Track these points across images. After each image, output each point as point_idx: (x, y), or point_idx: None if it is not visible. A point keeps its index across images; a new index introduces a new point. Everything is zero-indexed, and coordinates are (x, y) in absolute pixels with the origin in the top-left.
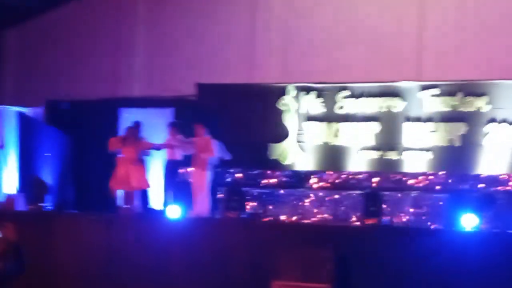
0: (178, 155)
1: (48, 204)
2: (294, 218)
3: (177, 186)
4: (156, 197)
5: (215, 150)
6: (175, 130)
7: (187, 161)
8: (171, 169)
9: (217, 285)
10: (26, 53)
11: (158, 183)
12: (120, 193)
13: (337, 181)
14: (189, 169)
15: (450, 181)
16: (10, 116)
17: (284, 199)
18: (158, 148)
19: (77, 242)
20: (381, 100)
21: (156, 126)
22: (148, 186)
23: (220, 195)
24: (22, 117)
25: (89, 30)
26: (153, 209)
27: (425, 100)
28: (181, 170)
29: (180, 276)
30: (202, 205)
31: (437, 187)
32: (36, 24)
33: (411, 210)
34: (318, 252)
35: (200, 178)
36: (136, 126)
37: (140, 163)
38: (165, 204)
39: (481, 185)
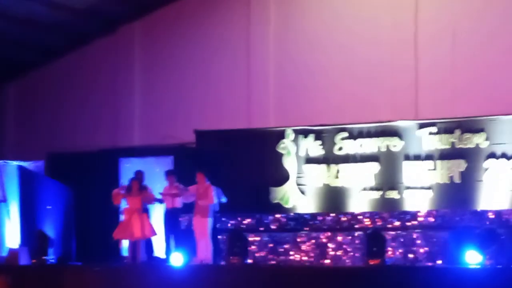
0: (178, 203)
1: (51, 257)
2: (298, 261)
3: (178, 233)
4: (159, 246)
5: (214, 197)
6: (172, 178)
7: (187, 208)
8: (172, 217)
9: None
10: (24, 106)
11: (160, 232)
12: (124, 243)
13: (339, 222)
14: (190, 217)
15: (451, 218)
16: (11, 170)
17: (287, 243)
18: (160, 200)
19: None
20: (380, 140)
21: (156, 174)
22: (153, 234)
23: (222, 241)
24: (22, 170)
25: (86, 82)
26: (157, 258)
27: (424, 138)
28: (182, 218)
29: None
30: (205, 252)
31: (439, 225)
32: (34, 77)
33: (414, 248)
34: None
35: (202, 225)
36: (138, 176)
37: (144, 212)
38: (167, 253)
39: (482, 221)
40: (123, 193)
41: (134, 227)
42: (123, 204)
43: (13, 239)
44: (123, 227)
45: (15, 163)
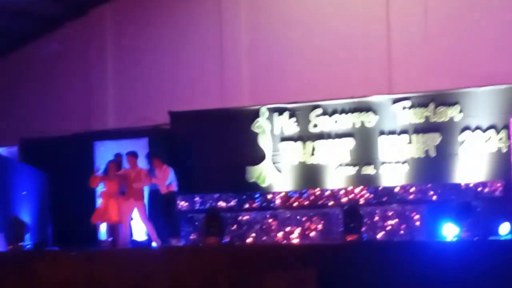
0: (173, 187)
1: (28, 243)
2: (274, 239)
3: (171, 217)
4: (141, 230)
5: (146, 180)
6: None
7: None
8: (166, 201)
9: None
10: None
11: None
12: (103, 226)
13: (316, 199)
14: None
15: (428, 192)
16: None
17: (263, 221)
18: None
19: (59, 280)
20: (354, 116)
21: None
22: (129, 219)
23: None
24: None
25: (58, 66)
26: (136, 241)
27: (398, 113)
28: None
29: None
30: (151, 233)
31: (415, 199)
32: (4, 63)
33: (391, 223)
34: (301, 272)
35: (138, 208)
36: (118, 159)
37: (122, 196)
38: (161, 237)
39: (458, 195)
40: (100, 176)
41: (112, 211)
42: (100, 188)
43: None
44: (101, 211)
45: None
